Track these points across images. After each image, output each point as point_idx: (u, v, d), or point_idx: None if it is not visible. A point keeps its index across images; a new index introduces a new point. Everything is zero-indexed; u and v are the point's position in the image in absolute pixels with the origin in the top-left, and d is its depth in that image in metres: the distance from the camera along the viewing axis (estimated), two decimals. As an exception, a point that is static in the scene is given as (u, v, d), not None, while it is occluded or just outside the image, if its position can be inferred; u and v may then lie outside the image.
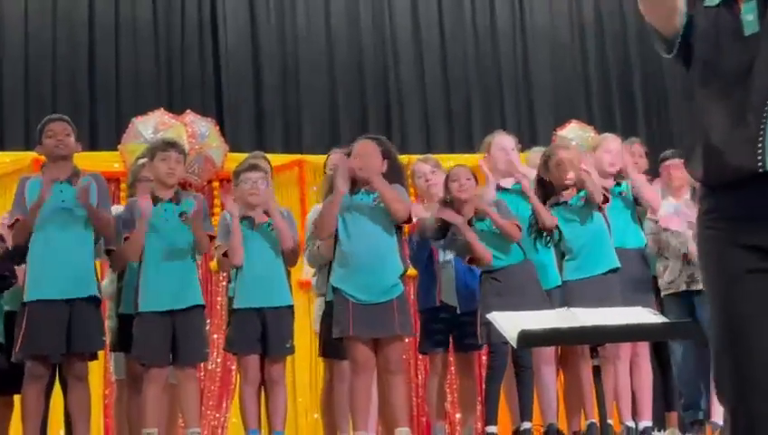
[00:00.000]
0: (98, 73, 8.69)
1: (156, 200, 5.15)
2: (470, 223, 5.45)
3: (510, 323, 3.66)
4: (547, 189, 5.64)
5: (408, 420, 5.33)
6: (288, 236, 5.33)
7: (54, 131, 5.10)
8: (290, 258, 5.46)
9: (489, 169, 6.03)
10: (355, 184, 5.29)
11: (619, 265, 5.49)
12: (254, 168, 5.47)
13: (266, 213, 5.36)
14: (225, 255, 5.34)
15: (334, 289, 5.20)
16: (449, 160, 6.38)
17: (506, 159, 5.87)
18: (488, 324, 5.24)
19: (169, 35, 8.93)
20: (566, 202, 5.57)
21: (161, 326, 4.97)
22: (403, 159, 8.40)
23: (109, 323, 5.44)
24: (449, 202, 5.53)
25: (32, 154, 7.87)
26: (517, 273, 5.40)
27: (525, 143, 6.93)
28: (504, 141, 5.99)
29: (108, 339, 5.45)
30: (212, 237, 5.31)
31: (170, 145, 5.26)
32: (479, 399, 5.54)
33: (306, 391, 8.18)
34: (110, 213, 5.18)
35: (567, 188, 5.57)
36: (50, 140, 5.09)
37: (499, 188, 5.87)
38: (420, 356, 7.31)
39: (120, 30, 8.81)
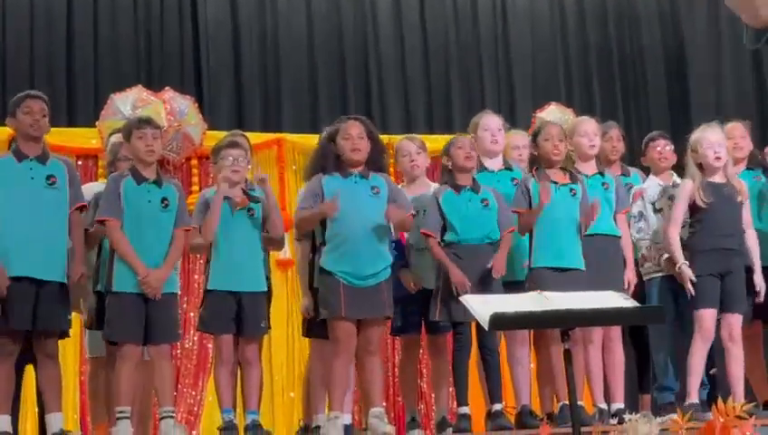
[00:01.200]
0: (76, 49, 8.63)
1: (140, 179, 5.10)
2: (461, 191, 5.48)
3: (482, 306, 3.67)
4: (537, 165, 5.66)
5: (381, 400, 5.36)
6: (280, 225, 5.33)
7: (32, 109, 5.02)
8: (277, 246, 5.50)
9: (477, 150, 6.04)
10: (348, 166, 5.29)
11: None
12: (234, 145, 5.45)
13: (249, 197, 5.33)
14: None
15: (324, 271, 5.21)
16: (427, 142, 6.35)
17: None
18: (447, 303, 5.29)
19: (149, 11, 8.86)
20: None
21: (134, 306, 4.95)
22: (383, 138, 8.49)
23: (88, 301, 5.41)
24: (450, 170, 5.55)
25: (8, 130, 7.82)
26: (480, 252, 5.42)
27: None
28: (490, 122, 5.98)
29: (85, 316, 5.44)
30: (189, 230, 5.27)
31: (145, 122, 5.20)
32: (451, 380, 5.56)
33: (282, 369, 8.21)
34: (82, 196, 5.13)
35: (555, 164, 5.57)
36: (26, 117, 5.02)
37: (484, 170, 5.89)
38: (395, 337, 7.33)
39: (98, 5, 8.73)
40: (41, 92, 5.27)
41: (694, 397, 5.50)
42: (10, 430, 4.85)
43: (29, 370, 5.32)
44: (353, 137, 5.30)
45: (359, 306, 5.14)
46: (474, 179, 5.58)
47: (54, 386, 4.96)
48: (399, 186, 6.03)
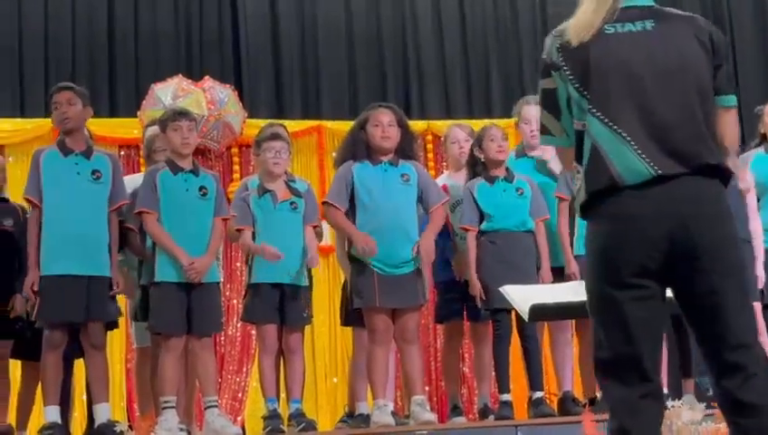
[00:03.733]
0: (117, 40, 8.70)
1: (176, 170, 5.15)
2: (495, 182, 5.46)
3: (522, 297, 3.68)
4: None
5: (423, 388, 5.39)
6: (315, 258, 5.37)
7: (59, 102, 5.07)
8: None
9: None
10: (378, 153, 5.30)
11: None
12: (276, 136, 5.47)
13: (291, 190, 5.36)
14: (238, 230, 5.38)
15: (356, 259, 5.23)
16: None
17: None
18: (488, 291, 5.30)
19: (189, 2, 8.91)
20: None
21: (177, 297, 5.01)
22: (422, 124, 8.49)
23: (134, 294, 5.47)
24: (481, 163, 5.54)
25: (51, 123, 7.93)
26: (516, 240, 5.43)
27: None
28: (531, 114, 5.96)
29: (131, 308, 5.50)
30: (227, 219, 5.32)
31: (181, 114, 5.24)
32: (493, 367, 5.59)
33: (324, 355, 8.26)
34: (125, 193, 5.18)
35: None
36: (55, 112, 5.08)
37: (525, 156, 5.89)
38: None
39: (138, -4, 8.80)
40: (68, 82, 5.31)
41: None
42: (59, 420, 4.95)
43: (80, 361, 5.42)
44: (383, 124, 5.30)
45: (392, 295, 5.16)
46: (507, 169, 5.57)
47: (102, 377, 5.05)
48: (446, 172, 6.04)
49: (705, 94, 2.68)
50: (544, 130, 2.81)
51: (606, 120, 2.64)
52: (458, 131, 6.00)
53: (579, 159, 2.72)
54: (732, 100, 2.77)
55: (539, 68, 2.79)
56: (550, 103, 2.77)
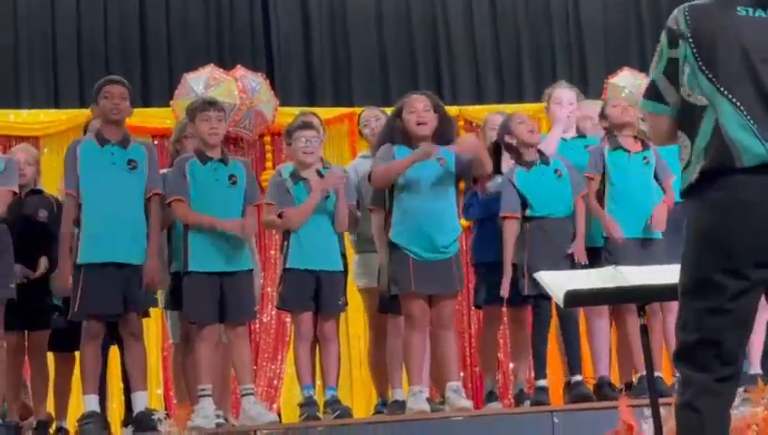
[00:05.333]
0: (149, 30, 8.73)
1: (204, 159, 5.18)
2: (532, 167, 5.47)
3: (557, 283, 3.66)
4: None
5: (458, 374, 5.40)
6: (343, 222, 5.36)
7: (112, 94, 5.12)
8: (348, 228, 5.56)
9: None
10: (415, 140, 5.30)
11: None
12: (307, 126, 5.47)
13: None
14: (279, 215, 5.38)
15: (393, 245, 5.23)
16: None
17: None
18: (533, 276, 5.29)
19: (219, -9, 8.94)
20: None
21: (210, 286, 5.04)
22: (454, 110, 8.47)
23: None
24: (514, 149, 5.53)
25: (86, 112, 7.95)
26: (560, 225, 5.42)
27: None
28: (562, 95, 5.92)
29: (163, 297, 5.54)
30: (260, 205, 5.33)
31: (210, 104, 5.27)
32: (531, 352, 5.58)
33: (359, 342, 8.27)
34: (160, 182, 5.21)
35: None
36: (106, 102, 5.12)
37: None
38: (473, 309, 7.36)
39: (170, -14, 8.83)
40: (120, 77, 5.37)
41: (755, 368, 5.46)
42: (98, 409, 5.00)
43: (113, 350, 5.47)
44: (419, 110, 5.29)
45: (429, 281, 5.16)
46: (540, 151, 5.55)
47: (140, 365, 5.09)
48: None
49: None
50: (656, 97, 2.81)
51: (733, 100, 2.65)
52: (497, 118, 5.99)
53: (687, 132, 2.73)
54: None
55: (665, 36, 2.80)
56: (672, 73, 2.78)
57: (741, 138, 2.62)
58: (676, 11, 2.82)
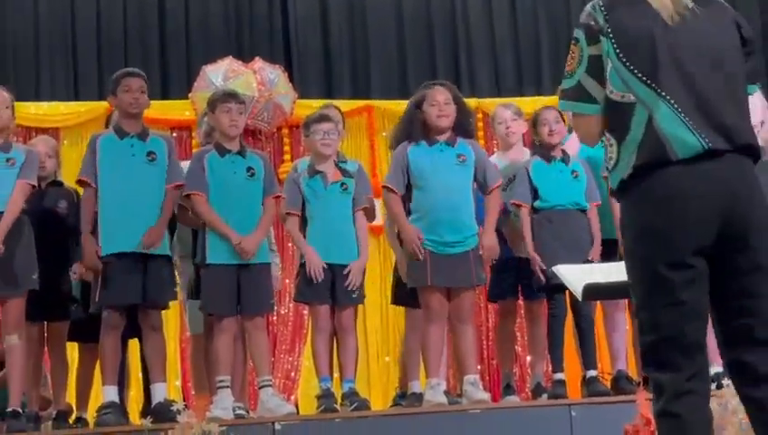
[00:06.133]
0: (168, 22, 8.76)
1: (223, 152, 5.19)
2: (552, 162, 5.45)
3: (575, 277, 3.65)
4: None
5: (476, 368, 5.40)
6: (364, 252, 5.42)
7: (131, 87, 5.15)
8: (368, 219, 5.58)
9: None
10: (435, 132, 5.30)
11: None
12: (325, 118, 5.48)
13: (341, 171, 5.38)
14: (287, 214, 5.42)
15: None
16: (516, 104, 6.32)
17: None
18: (545, 270, 5.28)
19: (238, -18, 8.95)
20: None
21: (228, 278, 5.05)
22: (472, 102, 8.46)
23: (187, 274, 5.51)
24: (537, 145, 5.54)
25: (105, 104, 7.99)
26: (571, 217, 5.42)
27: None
28: None
29: (185, 289, 5.55)
30: (279, 196, 5.35)
31: (231, 96, 5.28)
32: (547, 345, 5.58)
33: (377, 334, 8.29)
34: (181, 173, 5.23)
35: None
36: (126, 95, 5.14)
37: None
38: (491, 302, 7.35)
39: (188, -22, 8.85)
40: (139, 70, 5.39)
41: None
42: (117, 399, 5.03)
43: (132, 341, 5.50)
44: (440, 103, 5.29)
45: (446, 275, 5.16)
46: (564, 151, 5.55)
47: (159, 357, 5.12)
48: (496, 153, 6.01)
49: (743, 77, 2.71)
50: (585, 97, 2.73)
51: (663, 94, 2.62)
52: (504, 111, 5.97)
53: (613, 130, 2.69)
54: (755, 89, 2.81)
55: (582, 34, 2.71)
56: (596, 70, 2.71)
57: (675, 132, 2.58)
58: (588, 6, 2.74)
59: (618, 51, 2.66)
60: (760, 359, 2.59)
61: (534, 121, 5.58)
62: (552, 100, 7.74)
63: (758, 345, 2.60)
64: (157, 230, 5.01)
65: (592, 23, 2.71)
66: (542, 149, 5.55)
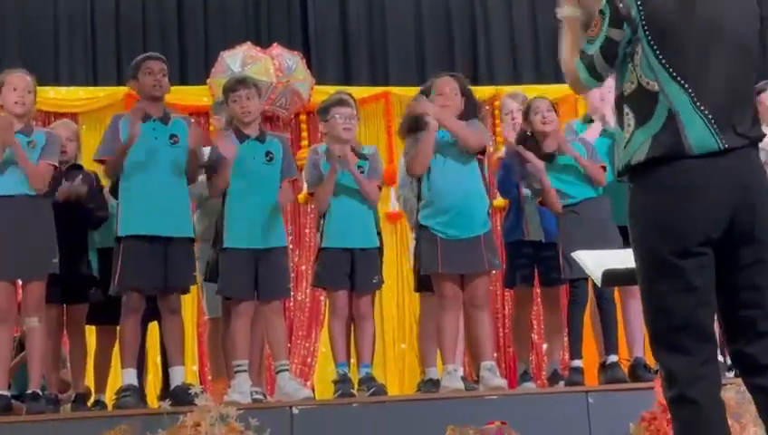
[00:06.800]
0: (186, 9, 8.78)
1: (242, 138, 5.20)
2: (552, 157, 5.42)
3: (594, 262, 3.65)
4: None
5: (492, 354, 5.40)
6: (371, 194, 5.36)
7: (153, 70, 5.16)
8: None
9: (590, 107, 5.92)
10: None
11: None
12: (344, 103, 5.47)
13: (358, 156, 5.36)
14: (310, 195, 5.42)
15: (422, 226, 5.24)
16: (535, 93, 6.31)
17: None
18: (570, 258, 5.26)
19: (256, -32, 8.95)
20: None
21: (245, 262, 5.06)
22: (490, 90, 8.45)
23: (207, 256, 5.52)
24: (530, 136, 5.50)
25: (124, 89, 8.03)
26: (594, 207, 5.39)
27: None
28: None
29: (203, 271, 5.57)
30: (295, 180, 5.35)
31: (239, 83, 5.28)
32: (565, 332, 5.57)
33: (393, 321, 8.31)
34: (204, 156, 5.25)
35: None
36: (148, 78, 5.15)
37: (589, 121, 5.82)
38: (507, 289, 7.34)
39: (207, -36, 8.86)
40: (159, 54, 5.41)
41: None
42: (136, 383, 5.05)
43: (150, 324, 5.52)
44: (446, 94, 5.28)
45: (456, 261, 5.15)
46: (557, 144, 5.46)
47: (178, 340, 5.13)
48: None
49: (755, 69, 2.76)
50: (593, 73, 2.78)
51: (684, 84, 2.63)
52: (510, 102, 5.95)
53: (636, 113, 2.70)
54: None
55: (608, 9, 2.71)
56: (608, 51, 2.74)
57: (694, 129, 2.61)
58: None
59: (650, 39, 2.67)
60: (761, 350, 2.63)
61: (526, 110, 5.52)
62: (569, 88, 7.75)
63: (761, 337, 2.64)
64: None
65: (621, 5, 2.71)
66: (538, 147, 5.46)
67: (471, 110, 5.38)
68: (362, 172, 5.39)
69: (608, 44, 2.73)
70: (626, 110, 2.74)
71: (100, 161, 5.20)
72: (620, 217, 5.43)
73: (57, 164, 5.09)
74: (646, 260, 2.68)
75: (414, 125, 5.34)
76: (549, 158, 5.44)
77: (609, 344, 5.43)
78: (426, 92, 5.35)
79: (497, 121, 8.26)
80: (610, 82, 5.77)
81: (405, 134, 5.42)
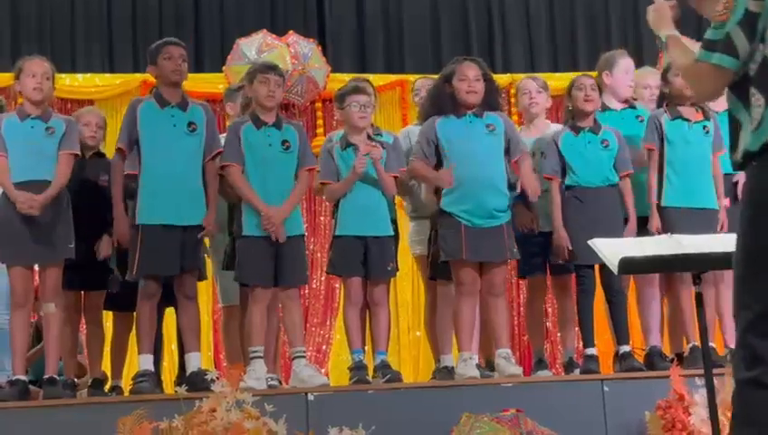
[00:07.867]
0: (202, -4, 8.80)
1: (259, 124, 5.20)
2: (580, 132, 5.44)
3: (611, 250, 3.66)
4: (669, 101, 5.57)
5: (508, 341, 5.40)
6: (389, 186, 5.36)
7: (173, 55, 5.15)
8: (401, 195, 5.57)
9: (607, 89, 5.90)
10: (464, 107, 5.29)
11: None
12: (361, 90, 5.46)
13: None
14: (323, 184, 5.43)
15: (444, 212, 5.24)
16: (551, 81, 6.30)
17: None
18: (574, 247, 5.27)
19: (272, -44, 8.95)
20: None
21: (263, 249, 5.07)
22: (506, 78, 8.42)
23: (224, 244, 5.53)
24: (569, 111, 5.50)
25: (140, 76, 8.06)
26: (601, 195, 5.39)
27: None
28: (631, 65, 5.86)
29: (220, 259, 5.58)
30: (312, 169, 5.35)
31: (270, 68, 5.28)
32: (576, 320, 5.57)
33: (408, 308, 8.32)
34: (220, 142, 5.25)
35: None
36: (168, 63, 5.14)
37: (607, 109, 5.80)
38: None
39: (223, -49, 8.86)
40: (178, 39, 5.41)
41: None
42: (152, 368, 5.07)
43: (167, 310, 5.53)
44: (469, 78, 5.28)
45: (479, 249, 5.16)
46: (595, 120, 5.52)
47: (194, 326, 5.15)
48: (519, 128, 5.99)
49: None
50: (727, 50, 2.69)
51: None
52: (529, 83, 5.93)
53: (765, 90, 2.62)
54: None
55: None
56: (748, 26, 2.66)
57: None
58: None
59: None
60: None
61: (570, 86, 5.54)
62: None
63: None
64: (211, 216, 5.06)
65: None
66: (573, 119, 5.50)
67: (492, 94, 5.38)
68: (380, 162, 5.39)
69: (749, 18, 2.65)
70: (752, 90, 2.66)
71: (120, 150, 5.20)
72: (642, 208, 5.47)
73: (78, 152, 5.11)
74: (751, 243, 2.62)
75: (435, 109, 5.34)
76: (578, 130, 5.46)
77: (620, 334, 5.42)
78: (448, 77, 5.34)
79: (513, 109, 8.29)
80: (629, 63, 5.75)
81: (426, 113, 5.43)
